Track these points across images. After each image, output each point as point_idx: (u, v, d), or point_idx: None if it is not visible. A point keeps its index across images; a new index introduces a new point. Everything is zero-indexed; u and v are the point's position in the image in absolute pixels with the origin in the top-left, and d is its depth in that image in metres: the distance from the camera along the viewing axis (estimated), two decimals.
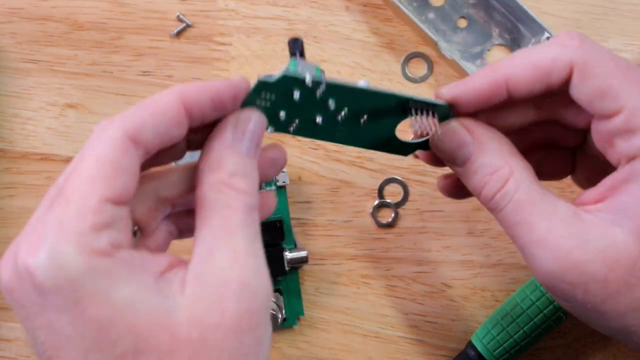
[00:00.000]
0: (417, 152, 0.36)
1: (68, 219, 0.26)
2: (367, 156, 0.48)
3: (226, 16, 0.48)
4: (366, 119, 0.33)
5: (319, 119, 0.32)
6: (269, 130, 0.32)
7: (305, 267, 0.47)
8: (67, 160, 0.48)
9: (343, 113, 0.33)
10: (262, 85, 0.31)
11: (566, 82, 0.31)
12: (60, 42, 0.48)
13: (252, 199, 0.29)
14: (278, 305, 0.45)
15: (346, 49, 0.48)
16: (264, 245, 0.29)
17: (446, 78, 0.48)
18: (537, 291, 0.44)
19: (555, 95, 0.33)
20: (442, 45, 0.47)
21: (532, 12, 0.46)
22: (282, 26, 0.48)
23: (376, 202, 0.48)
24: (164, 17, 0.48)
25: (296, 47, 0.33)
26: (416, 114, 0.33)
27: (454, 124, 0.33)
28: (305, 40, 0.48)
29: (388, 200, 0.48)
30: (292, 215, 0.47)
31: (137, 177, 0.28)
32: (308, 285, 0.48)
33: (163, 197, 0.32)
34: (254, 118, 0.31)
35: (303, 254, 0.46)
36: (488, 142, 0.33)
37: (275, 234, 0.45)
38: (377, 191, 0.48)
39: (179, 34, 0.48)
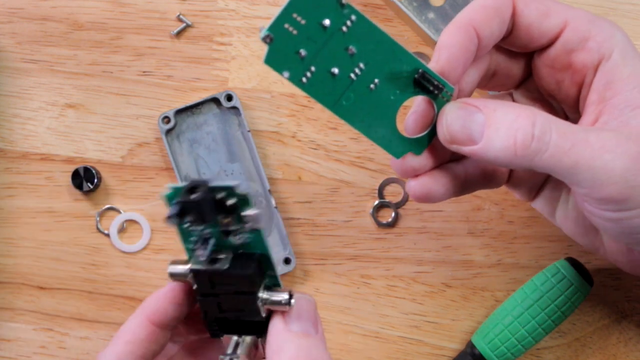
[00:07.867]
0: (410, 160, 0.36)
1: None
2: (367, 156, 0.48)
3: (226, 16, 0.48)
4: (377, 83, 0.33)
5: (335, 70, 0.32)
6: (285, 75, 0.31)
7: (306, 267, 0.48)
8: (67, 160, 0.48)
9: (357, 70, 0.32)
10: (296, 3, 0.31)
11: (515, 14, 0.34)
12: (60, 42, 0.48)
13: None
14: None
15: None
16: None
17: None
18: (537, 291, 0.44)
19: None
20: None
21: None
22: None
23: (376, 202, 0.48)
24: (164, 17, 0.48)
25: None
26: (423, 91, 0.34)
27: (454, 104, 0.34)
28: None
29: (388, 200, 0.48)
30: (292, 215, 0.47)
31: None
32: (308, 285, 0.48)
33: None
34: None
35: (284, 295, 0.31)
36: (492, 102, 0.33)
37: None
38: (377, 191, 0.48)
39: (179, 34, 0.48)
